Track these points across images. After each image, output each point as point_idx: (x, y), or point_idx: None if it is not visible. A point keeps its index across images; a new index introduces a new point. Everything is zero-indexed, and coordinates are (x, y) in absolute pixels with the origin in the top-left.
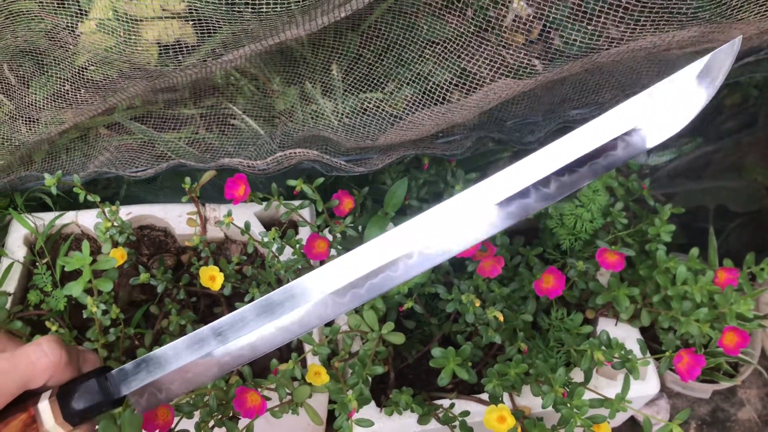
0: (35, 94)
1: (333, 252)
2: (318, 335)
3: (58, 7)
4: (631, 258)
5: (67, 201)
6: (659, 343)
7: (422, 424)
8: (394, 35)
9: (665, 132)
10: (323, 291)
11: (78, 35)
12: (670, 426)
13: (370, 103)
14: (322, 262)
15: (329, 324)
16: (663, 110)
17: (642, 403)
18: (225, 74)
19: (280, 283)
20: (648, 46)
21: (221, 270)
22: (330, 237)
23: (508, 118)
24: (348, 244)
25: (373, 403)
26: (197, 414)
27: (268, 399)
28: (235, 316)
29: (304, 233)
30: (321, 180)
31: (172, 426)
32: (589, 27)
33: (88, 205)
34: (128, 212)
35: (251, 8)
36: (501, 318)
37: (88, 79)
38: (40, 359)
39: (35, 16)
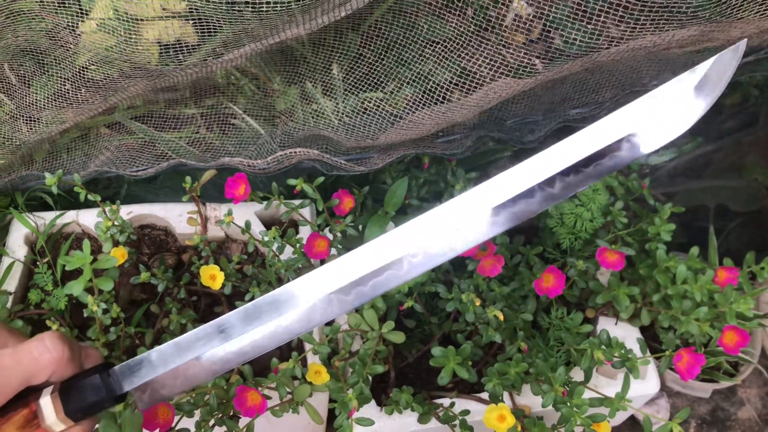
0: (36, 93)
1: (333, 251)
2: (318, 334)
3: (59, 6)
4: (631, 257)
5: (68, 200)
6: (659, 342)
7: (422, 423)
8: (395, 35)
9: (670, 134)
10: (328, 289)
11: (79, 35)
12: (670, 425)
13: (370, 102)
14: (322, 262)
15: (330, 323)
16: (667, 112)
17: (642, 402)
18: (226, 74)
19: (280, 282)
20: (648, 45)
21: (222, 269)
22: (330, 236)
23: (508, 117)
24: (348, 243)
25: (373, 402)
26: (198, 413)
27: (269, 398)
28: (239, 312)
29: (305, 232)
30: (321, 179)
31: (173, 425)
32: (589, 26)
33: (88, 205)
34: (129, 211)
35: (251, 8)
36: (501, 317)
37: (88, 78)
38: (43, 355)
39: (36, 15)
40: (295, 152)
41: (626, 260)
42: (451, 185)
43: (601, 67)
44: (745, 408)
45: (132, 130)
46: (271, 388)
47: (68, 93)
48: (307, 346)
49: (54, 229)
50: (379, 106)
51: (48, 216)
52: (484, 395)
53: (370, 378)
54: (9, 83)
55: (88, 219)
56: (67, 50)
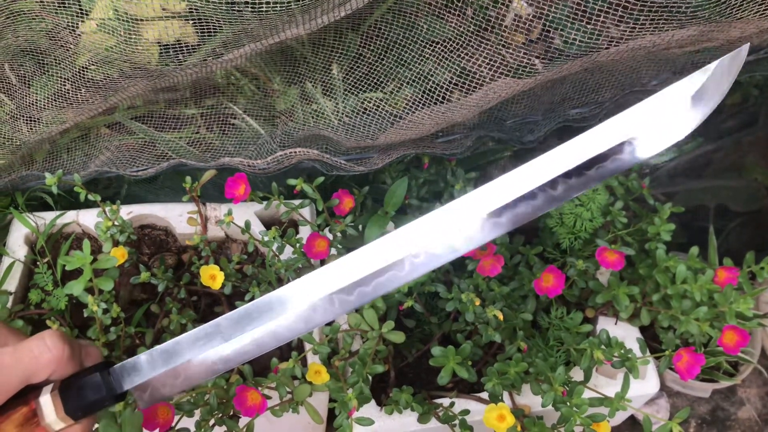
0: (36, 93)
1: (333, 251)
2: (318, 334)
3: (59, 6)
4: (630, 257)
5: (68, 200)
6: (659, 342)
7: (422, 422)
8: (395, 35)
9: (671, 138)
10: (330, 289)
11: (79, 35)
12: (669, 425)
13: (370, 102)
14: (322, 262)
15: (330, 323)
16: (669, 117)
17: (642, 402)
18: (226, 74)
19: (280, 282)
20: (647, 45)
21: (222, 269)
22: (330, 236)
23: (508, 117)
24: (348, 243)
25: (373, 401)
26: (198, 412)
27: (269, 398)
28: (241, 311)
29: (305, 232)
30: (321, 179)
31: (173, 424)
32: (588, 26)
33: (89, 205)
34: (129, 211)
35: (251, 8)
36: (501, 317)
37: (89, 78)
38: (43, 354)
39: (36, 15)
40: (295, 152)
41: (626, 260)
42: (450, 185)
43: (601, 67)
44: (745, 408)
45: (132, 130)
46: (271, 387)
47: (68, 93)
48: (307, 346)
49: (54, 229)
50: (378, 106)
51: (48, 216)
52: (484, 395)
53: (370, 378)
54: (9, 83)
55: (88, 219)
56: (67, 50)
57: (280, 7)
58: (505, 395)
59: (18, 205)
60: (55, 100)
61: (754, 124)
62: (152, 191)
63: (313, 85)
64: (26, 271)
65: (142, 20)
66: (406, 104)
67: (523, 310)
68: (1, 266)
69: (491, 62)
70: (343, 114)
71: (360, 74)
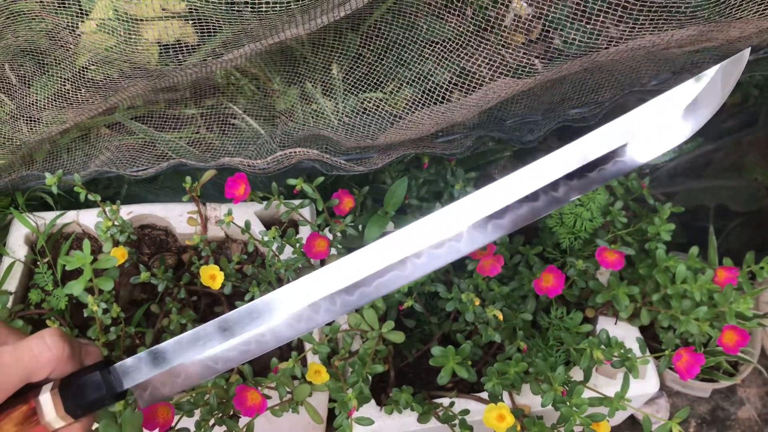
0: (36, 93)
1: (333, 251)
2: (318, 334)
3: (59, 7)
4: (630, 257)
5: (68, 200)
6: (659, 341)
7: (422, 422)
8: (394, 35)
9: (674, 140)
10: (332, 288)
11: (79, 35)
12: (669, 424)
13: (370, 102)
14: (322, 261)
15: (329, 322)
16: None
17: (641, 402)
18: (226, 74)
19: (280, 282)
20: (647, 45)
21: (222, 269)
22: (330, 236)
23: (507, 117)
24: (348, 243)
25: (373, 401)
26: (197, 412)
27: (269, 397)
28: (242, 311)
29: (305, 232)
30: (321, 179)
31: (173, 424)
32: (588, 26)
33: (89, 205)
34: (129, 211)
35: (251, 8)
36: (500, 317)
37: (89, 78)
38: (43, 352)
39: (36, 15)
40: (295, 152)
41: (626, 260)
42: (450, 185)
43: (601, 67)
44: (744, 407)
45: (132, 131)
46: (271, 387)
47: (68, 93)
48: (307, 346)
49: (54, 229)
50: (378, 106)
51: (48, 216)
52: (484, 395)
53: (370, 378)
54: (9, 83)
55: (88, 219)
56: (68, 50)
57: (280, 7)
58: (505, 395)
59: (18, 205)
60: (55, 100)
61: (754, 124)
62: (152, 191)
63: (313, 85)
64: (26, 271)
65: (142, 20)
66: (406, 104)
67: (523, 310)
68: (2, 266)
69: (491, 62)
70: (343, 114)
71: (360, 74)
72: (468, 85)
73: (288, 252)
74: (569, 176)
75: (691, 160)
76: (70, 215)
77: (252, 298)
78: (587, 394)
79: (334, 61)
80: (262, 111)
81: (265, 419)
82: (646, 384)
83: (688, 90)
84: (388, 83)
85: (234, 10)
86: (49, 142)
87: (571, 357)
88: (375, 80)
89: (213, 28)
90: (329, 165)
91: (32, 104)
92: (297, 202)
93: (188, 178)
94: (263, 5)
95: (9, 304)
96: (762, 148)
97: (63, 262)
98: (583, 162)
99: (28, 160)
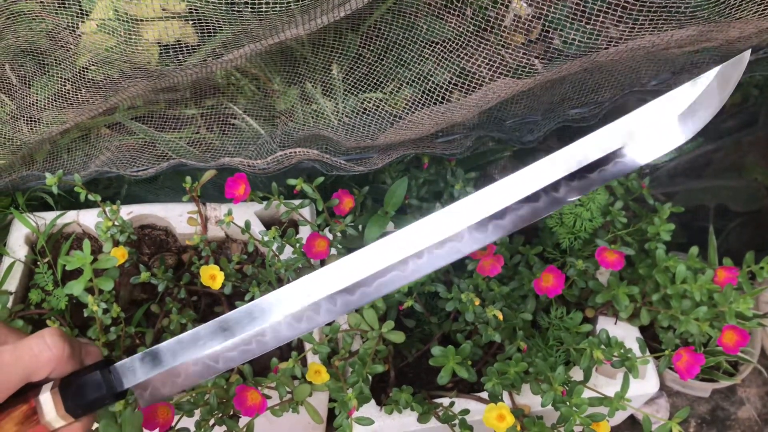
0: (37, 94)
1: (333, 251)
2: (318, 334)
3: (59, 7)
4: (630, 257)
5: (69, 200)
6: (659, 341)
7: (422, 422)
8: (394, 35)
9: (676, 141)
10: (333, 288)
11: (79, 35)
12: (669, 424)
13: (370, 102)
14: (322, 262)
15: (330, 322)
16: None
17: (641, 402)
18: (226, 74)
19: (280, 282)
20: (647, 45)
21: (222, 269)
22: (330, 236)
23: (507, 117)
24: (348, 243)
25: (373, 401)
26: (198, 412)
27: (269, 397)
28: (242, 310)
29: (305, 232)
30: (321, 179)
31: (173, 424)
32: (588, 26)
33: (89, 205)
34: (129, 211)
35: (251, 8)
36: (500, 317)
37: (89, 79)
38: (43, 352)
39: (36, 16)
40: (295, 152)
41: (626, 260)
42: (450, 185)
43: (600, 67)
44: (744, 407)
45: (132, 131)
46: (271, 387)
47: (69, 93)
48: (307, 346)
49: (54, 229)
50: (378, 107)
51: (48, 216)
52: (484, 395)
53: (370, 377)
54: (10, 84)
55: (88, 219)
56: (68, 51)
57: (280, 7)
58: (505, 395)
59: (18, 205)
60: (55, 101)
61: (754, 124)
62: (152, 191)
63: (313, 86)
64: (26, 271)
65: (142, 21)
66: (406, 104)
67: (522, 310)
68: (2, 266)
69: (491, 62)
70: (343, 114)
71: (360, 74)
72: (468, 85)
73: (288, 252)
74: (570, 177)
75: (691, 160)
76: (71, 215)
77: (252, 298)
78: (587, 394)
79: (334, 62)
80: (262, 111)
81: (265, 419)
82: (646, 384)
83: (688, 91)
84: (388, 83)
85: (234, 11)
86: (50, 142)
87: (571, 357)
88: (375, 80)
89: (213, 29)
90: (329, 165)
91: (32, 104)
92: (297, 202)
93: (188, 178)
94: (263, 5)
95: (9, 304)
96: (762, 148)
97: (63, 262)
98: (583, 163)
99: (28, 160)
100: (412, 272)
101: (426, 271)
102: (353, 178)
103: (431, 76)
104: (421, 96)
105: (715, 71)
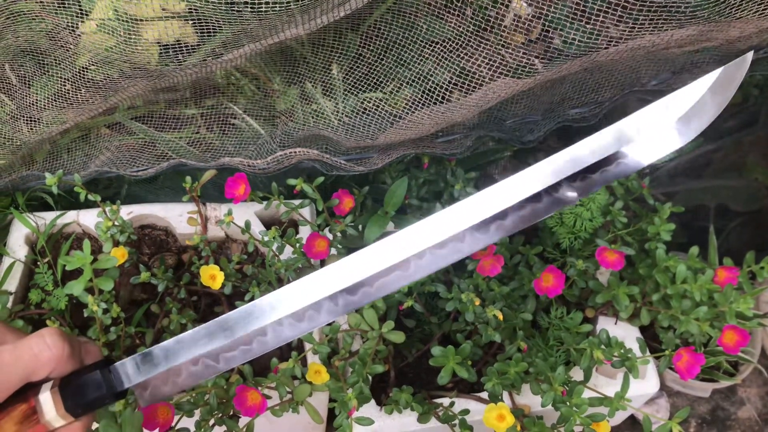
0: (37, 93)
1: (333, 251)
2: (318, 334)
3: (59, 7)
4: (630, 257)
5: (69, 200)
6: (659, 341)
7: (422, 422)
8: (394, 35)
9: (678, 141)
10: (334, 288)
11: (79, 35)
12: (669, 424)
13: (370, 102)
14: (322, 262)
15: (330, 322)
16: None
17: (642, 402)
18: (226, 74)
19: (280, 282)
20: (647, 45)
21: (222, 269)
22: (330, 236)
23: (507, 117)
24: (348, 243)
25: (373, 401)
26: (198, 412)
27: (269, 397)
28: (243, 310)
29: (305, 232)
30: (321, 179)
31: (173, 424)
32: (588, 26)
33: (89, 205)
34: (129, 211)
35: (251, 8)
36: (500, 317)
37: (89, 79)
38: (43, 352)
39: (36, 16)
40: (295, 152)
41: (626, 260)
42: (450, 185)
43: (601, 67)
44: (745, 407)
45: (132, 131)
46: (271, 387)
47: (68, 93)
48: (307, 346)
49: (54, 229)
50: (378, 106)
51: (48, 216)
52: (484, 395)
53: (370, 378)
54: (9, 83)
55: (88, 219)
56: (68, 51)
57: (280, 7)
58: (505, 395)
59: (18, 205)
60: (55, 101)
61: (754, 124)
62: (152, 191)
63: (313, 85)
64: (26, 271)
65: (141, 20)
66: (406, 104)
67: (523, 310)
68: (2, 266)
69: (491, 62)
70: (343, 114)
71: (360, 74)
72: (468, 85)
73: (288, 252)
74: (572, 177)
75: (691, 160)
76: (71, 215)
77: (252, 298)
78: (587, 394)
79: (334, 61)
80: (262, 111)
81: (265, 419)
82: (646, 384)
83: (691, 93)
84: (388, 83)
85: (234, 10)
86: (50, 142)
87: (571, 357)
88: (375, 80)
89: (213, 28)
90: (329, 165)
91: (32, 104)
92: (297, 202)
93: (188, 178)
94: (263, 5)
95: (9, 304)
96: (762, 148)
97: (63, 262)
98: (585, 163)
99: (28, 160)
100: (414, 272)
101: (428, 271)
102: (353, 178)
103: (431, 75)
104: (421, 96)
105: (717, 72)
